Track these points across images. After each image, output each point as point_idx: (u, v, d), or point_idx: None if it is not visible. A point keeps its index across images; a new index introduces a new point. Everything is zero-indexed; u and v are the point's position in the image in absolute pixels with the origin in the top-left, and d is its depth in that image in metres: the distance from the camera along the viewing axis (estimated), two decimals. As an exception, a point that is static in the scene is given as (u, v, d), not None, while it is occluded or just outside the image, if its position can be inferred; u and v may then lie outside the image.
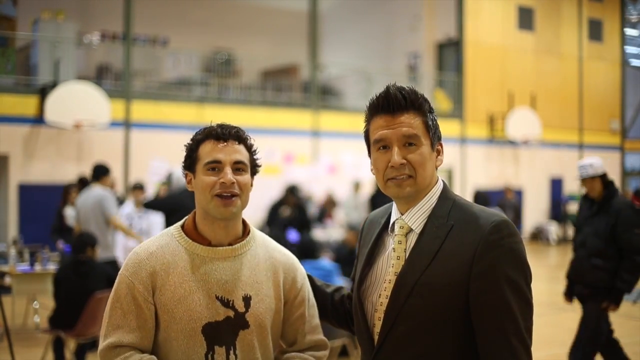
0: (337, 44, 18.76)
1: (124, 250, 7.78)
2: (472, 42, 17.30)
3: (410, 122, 1.75)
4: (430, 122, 1.77)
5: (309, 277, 2.08)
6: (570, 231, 15.98)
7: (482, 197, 10.16)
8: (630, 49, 22.59)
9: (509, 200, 14.53)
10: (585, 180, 4.91)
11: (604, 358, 5.05)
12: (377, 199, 10.61)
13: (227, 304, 1.84)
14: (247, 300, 1.87)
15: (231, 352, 1.84)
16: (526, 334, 1.65)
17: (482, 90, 17.37)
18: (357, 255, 1.98)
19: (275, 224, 10.82)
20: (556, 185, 18.91)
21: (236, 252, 1.90)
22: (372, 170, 1.83)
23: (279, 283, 1.95)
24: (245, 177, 1.89)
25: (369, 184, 12.77)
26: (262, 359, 1.89)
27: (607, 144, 20.29)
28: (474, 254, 1.66)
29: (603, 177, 4.89)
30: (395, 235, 1.80)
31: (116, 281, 1.89)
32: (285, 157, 14.16)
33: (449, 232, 1.71)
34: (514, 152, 18.06)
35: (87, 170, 7.90)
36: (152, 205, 7.53)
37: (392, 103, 1.75)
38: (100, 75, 14.21)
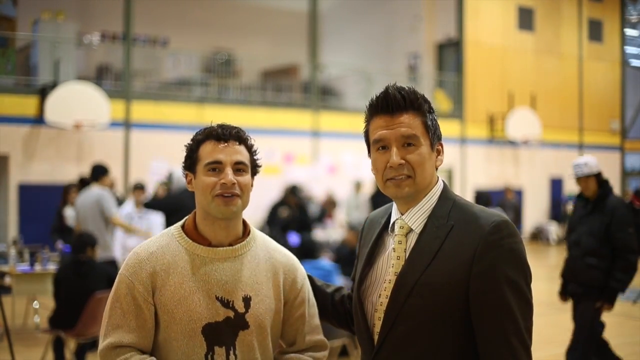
0: (337, 44, 18.77)
1: (122, 249, 7.77)
2: (472, 42, 17.30)
3: (409, 123, 1.74)
4: (429, 123, 1.77)
5: (309, 277, 2.08)
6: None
7: (483, 197, 10.17)
8: (630, 49, 22.59)
9: (509, 201, 14.53)
10: (580, 179, 4.90)
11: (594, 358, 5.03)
12: (378, 199, 10.62)
13: (227, 304, 1.84)
14: (247, 300, 1.86)
15: (231, 352, 1.84)
16: (526, 334, 1.65)
17: (482, 90, 17.37)
18: (358, 255, 1.98)
19: (274, 225, 10.82)
20: (556, 185, 18.91)
21: (236, 253, 1.90)
22: (372, 170, 1.84)
23: (279, 284, 1.95)
24: (246, 178, 1.89)
25: (369, 183, 12.77)
26: (261, 359, 1.89)
27: (607, 144, 20.29)
28: (474, 254, 1.66)
29: (598, 176, 4.89)
30: (396, 235, 1.80)
31: (116, 281, 1.89)
32: (285, 157, 14.16)
33: (449, 232, 1.71)
34: (514, 152, 18.06)
35: (87, 171, 7.90)
36: (153, 205, 7.54)
37: (391, 103, 1.76)
38: (100, 76, 14.22)
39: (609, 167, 19.91)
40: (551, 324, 7.38)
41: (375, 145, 1.79)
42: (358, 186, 13.10)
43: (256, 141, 1.98)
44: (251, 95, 15.26)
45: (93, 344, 5.69)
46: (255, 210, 10.61)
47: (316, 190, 13.44)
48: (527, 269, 1.69)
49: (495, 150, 17.69)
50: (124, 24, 13.07)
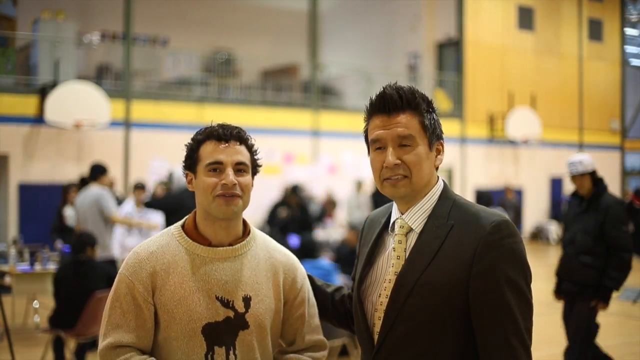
0: (337, 44, 18.76)
1: (120, 249, 7.77)
2: (472, 42, 17.30)
3: (405, 123, 1.74)
4: (427, 122, 1.76)
5: (309, 276, 2.08)
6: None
7: (485, 197, 10.17)
8: (630, 49, 22.59)
9: (509, 201, 14.53)
10: (574, 177, 4.89)
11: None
12: (379, 198, 10.62)
13: (227, 304, 1.84)
14: (247, 300, 1.86)
15: (231, 352, 1.84)
16: (526, 334, 1.65)
17: (482, 90, 17.37)
18: (358, 255, 1.98)
19: (274, 225, 10.83)
20: (556, 185, 18.91)
21: (236, 253, 1.90)
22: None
23: (279, 283, 1.95)
24: (247, 178, 1.89)
25: (370, 183, 12.77)
26: (261, 359, 1.89)
27: (607, 144, 20.29)
28: (474, 254, 1.66)
29: (593, 175, 4.87)
30: (396, 234, 1.80)
31: (116, 280, 1.89)
32: (285, 157, 14.16)
33: (449, 231, 1.71)
34: (514, 152, 18.06)
35: (87, 170, 7.91)
36: (154, 204, 7.54)
37: (387, 103, 1.76)
38: (100, 75, 14.21)
39: (609, 167, 19.91)
40: (551, 324, 7.37)
41: (372, 145, 1.79)
42: (359, 186, 13.09)
43: (256, 141, 1.97)
44: (251, 95, 15.26)
45: (93, 344, 5.69)
46: (255, 210, 10.61)
47: (316, 190, 13.44)
48: (527, 269, 1.69)
49: (495, 150, 17.69)
50: (124, 24, 13.06)
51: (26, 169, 11.51)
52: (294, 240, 9.51)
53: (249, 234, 1.96)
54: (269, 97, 15.61)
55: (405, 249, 1.77)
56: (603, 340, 6.27)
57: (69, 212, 8.20)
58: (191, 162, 1.90)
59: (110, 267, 6.32)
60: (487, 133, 17.49)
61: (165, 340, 1.83)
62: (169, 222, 6.89)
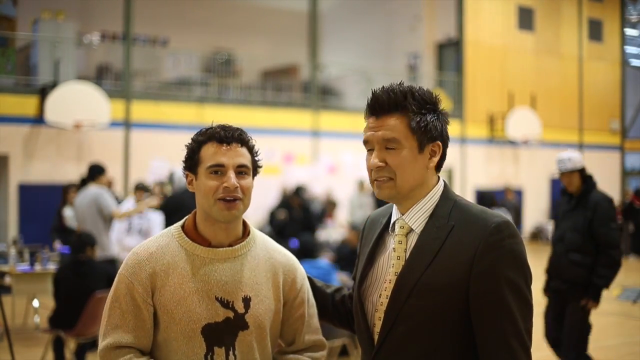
0: (337, 44, 18.76)
1: (119, 248, 7.75)
2: (472, 42, 17.30)
3: (391, 125, 1.73)
4: (414, 125, 1.73)
5: (309, 278, 2.08)
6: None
7: (487, 197, 10.17)
8: (630, 49, 22.59)
9: (509, 201, 14.53)
10: (563, 175, 4.87)
11: (558, 355, 4.98)
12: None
13: (226, 305, 1.84)
14: (246, 301, 1.86)
15: (230, 353, 1.84)
16: (526, 335, 1.65)
17: (482, 90, 17.37)
18: (359, 255, 1.98)
19: (273, 226, 10.84)
20: (556, 185, 18.90)
21: (236, 253, 1.90)
22: None
23: (278, 284, 1.95)
24: (248, 181, 1.89)
25: (370, 183, 12.73)
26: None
27: (607, 144, 20.29)
28: (474, 255, 1.66)
29: (582, 172, 4.86)
30: (396, 235, 1.80)
31: (115, 280, 1.89)
32: (285, 157, 14.16)
33: (450, 232, 1.71)
34: (514, 152, 18.07)
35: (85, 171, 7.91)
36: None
37: (375, 105, 1.76)
38: (100, 75, 14.21)
39: (609, 167, 19.92)
40: (551, 324, 7.36)
41: (365, 147, 1.80)
42: (361, 185, 13.08)
43: (256, 141, 1.97)
44: (251, 95, 15.26)
45: (93, 344, 5.69)
46: (255, 211, 10.61)
47: (316, 190, 13.45)
48: (527, 271, 1.69)
49: (495, 150, 17.70)
50: (124, 24, 13.07)
51: (26, 169, 11.52)
52: (296, 244, 9.50)
53: (248, 234, 1.96)
54: (269, 98, 15.61)
55: (406, 249, 1.77)
56: (603, 340, 6.27)
57: (68, 213, 8.20)
58: (192, 163, 1.90)
59: (109, 267, 6.33)
60: (487, 133, 17.49)
61: (165, 341, 1.83)
62: (169, 223, 6.89)
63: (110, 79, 14.11)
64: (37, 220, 10.77)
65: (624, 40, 20.99)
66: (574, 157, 4.85)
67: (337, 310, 2.07)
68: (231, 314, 1.84)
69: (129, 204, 8.53)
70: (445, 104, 1.81)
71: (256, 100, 14.78)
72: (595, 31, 20.04)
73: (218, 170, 1.85)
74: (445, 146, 1.80)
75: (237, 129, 1.91)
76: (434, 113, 1.77)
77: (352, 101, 16.20)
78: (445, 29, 17.77)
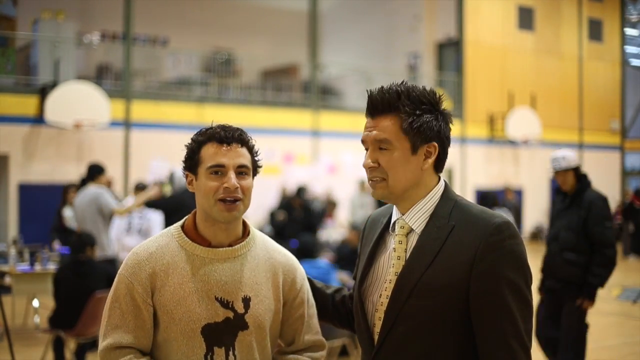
0: (337, 44, 18.76)
1: (119, 248, 7.75)
2: (472, 42, 17.30)
3: (383, 126, 1.74)
4: (406, 126, 1.72)
5: (309, 279, 2.08)
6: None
7: (489, 198, 10.16)
8: (630, 49, 22.59)
9: (509, 201, 14.52)
10: (558, 173, 4.85)
11: (546, 355, 4.96)
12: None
13: (226, 305, 1.84)
14: (246, 301, 1.86)
15: (230, 353, 1.84)
16: (526, 336, 1.65)
17: (482, 90, 17.37)
18: (359, 254, 1.98)
19: (273, 227, 10.84)
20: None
21: (236, 253, 1.90)
22: None
23: (278, 284, 1.95)
24: (248, 181, 1.88)
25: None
26: (260, 360, 1.89)
27: (607, 144, 20.29)
28: (474, 255, 1.66)
29: (576, 170, 4.84)
30: (396, 235, 1.80)
31: (115, 281, 1.89)
32: (285, 157, 14.16)
33: (450, 232, 1.71)
34: (514, 152, 18.07)
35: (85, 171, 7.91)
36: (154, 204, 7.54)
37: (370, 106, 1.77)
38: (100, 75, 14.21)
39: (609, 167, 19.92)
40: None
41: (363, 146, 1.81)
42: (362, 185, 13.08)
43: (256, 141, 1.97)
44: (251, 95, 15.26)
45: (93, 344, 5.69)
46: (255, 211, 10.61)
47: (316, 190, 13.45)
48: (527, 271, 1.69)
49: (495, 150, 17.70)
50: (124, 24, 13.06)
51: (26, 169, 11.52)
52: (297, 244, 9.50)
53: (248, 234, 1.96)
54: (269, 97, 15.61)
55: (406, 249, 1.76)
56: (603, 340, 6.27)
57: (68, 213, 8.20)
58: (192, 163, 1.90)
59: (109, 266, 6.33)
60: (487, 133, 17.49)
61: (165, 341, 1.83)
62: (169, 222, 6.89)
63: (110, 79, 14.11)
64: (37, 220, 10.77)
65: (624, 40, 21.00)
66: (568, 156, 4.84)
67: (338, 311, 2.07)
68: (231, 314, 1.84)
69: (128, 204, 8.53)
70: (445, 104, 1.81)
71: (256, 100, 14.78)
72: (595, 31, 20.05)
73: (218, 170, 1.85)
74: (442, 147, 1.77)
75: (237, 129, 1.91)
76: (431, 113, 1.75)
77: (352, 101, 16.20)
78: (445, 29, 17.77)
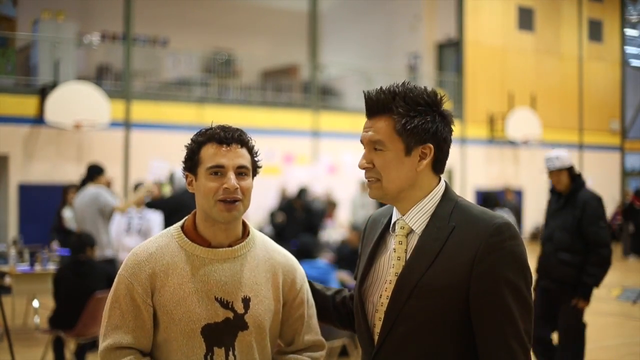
0: (337, 44, 18.77)
1: (118, 244, 7.74)
2: (472, 42, 17.30)
3: (377, 127, 1.75)
4: (400, 127, 1.71)
5: (308, 282, 2.08)
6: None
7: (491, 198, 10.15)
8: (630, 49, 22.59)
9: (509, 201, 14.52)
10: (552, 173, 4.84)
11: (537, 356, 4.94)
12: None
13: (226, 305, 1.84)
14: (246, 301, 1.87)
15: (230, 353, 1.84)
16: (526, 337, 1.65)
17: (482, 90, 17.37)
18: (360, 255, 1.98)
19: (273, 227, 10.83)
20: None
21: (236, 254, 1.90)
22: None
23: (278, 284, 1.95)
24: (248, 182, 1.89)
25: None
26: (260, 360, 1.89)
27: (607, 144, 20.29)
28: (474, 256, 1.66)
29: (570, 170, 4.84)
30: (396, 235, 1.80)
31: (115, 281, 1.89)
32: (285, 158, 14.16)
33: (451, 233, 1.71)
34: (514, 152, 18.07)
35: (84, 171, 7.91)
36: (154, 204, 7.54)
37: (366, 107, 1.78)
38: (100, 76, 14.22)
39: (609, 167, 19.92)
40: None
41: (362, 146, 1.82)
42: (363, 185, 13.08)
43: (256, 141, 1.97)
44: (251, 95, 15.26)
45: (93, 344, 5.69)
46: (255, 211, 10.62)
47: (316, 191, 13.45)
48: (527, 272, 1.69)
49: (495, 150, 17.70)
50: (124, 24, 13.07)
51: (26, 170, 11.52)
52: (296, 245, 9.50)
53: (248, 235, 1.96)
54: (269, 98, 15.61)
55: (406, 250, 1.76)
56: (603, 340, 6.27)
57: (67, 214, 8.19)
58: (192, 163, 1.90)
59: (109, 267, 6.33)
60: (487, 133, 17.49)
61: (165, 341, 1.84)
62: (169, 223, 6.89)
63: (110, 79, 14.11)
64: (37, 221, 10.77)
65: (624, 40, 21.00)
66: (562, 156, 4.83)
67: (338, 312, 2.07)
68: (231, 314, 1.84)
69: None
70: (445, 104, 1.80)
71: (256, 101, 14.78)
72: (595, 31, 20.05)
73: (218, 171, 1.85)
74: (439, 148, 1.75)
75: (237, 129, 1.91)
76: (428, 115, 1.73)
77: (352, 101, 16.20)
78: (445, 29, 17.77)
